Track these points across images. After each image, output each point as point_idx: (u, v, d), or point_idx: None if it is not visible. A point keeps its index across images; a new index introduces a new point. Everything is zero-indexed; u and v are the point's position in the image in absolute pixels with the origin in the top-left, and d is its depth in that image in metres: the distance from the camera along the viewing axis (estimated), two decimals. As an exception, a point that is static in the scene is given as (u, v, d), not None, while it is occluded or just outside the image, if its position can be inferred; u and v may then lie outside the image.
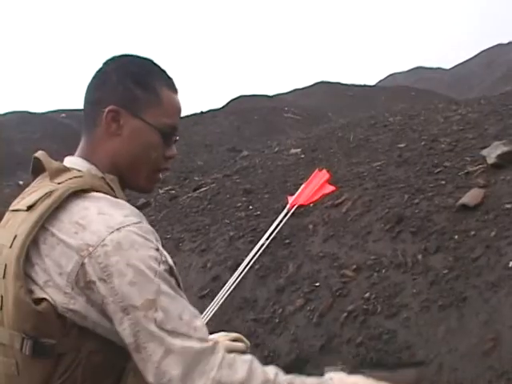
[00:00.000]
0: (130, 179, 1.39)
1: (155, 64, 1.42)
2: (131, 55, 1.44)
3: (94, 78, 1.41)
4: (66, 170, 1.31)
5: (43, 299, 1.16)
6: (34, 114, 19.47)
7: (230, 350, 1.75)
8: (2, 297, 1.18)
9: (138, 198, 5.03)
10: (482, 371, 1.51)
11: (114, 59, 1.42)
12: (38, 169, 1.35)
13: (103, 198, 1.25)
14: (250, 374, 1.21)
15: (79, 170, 1.31)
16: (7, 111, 19.47)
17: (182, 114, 1.58)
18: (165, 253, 1.22)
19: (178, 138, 1.44)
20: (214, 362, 1.17)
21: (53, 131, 17.52)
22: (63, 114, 20.52)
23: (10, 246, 1.18)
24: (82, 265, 1.12)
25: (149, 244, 1.18)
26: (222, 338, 1.88)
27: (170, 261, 1.23)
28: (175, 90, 1.43)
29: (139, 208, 1.31)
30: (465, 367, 1.56)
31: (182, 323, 1.12)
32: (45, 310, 1.14)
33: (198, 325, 1.13)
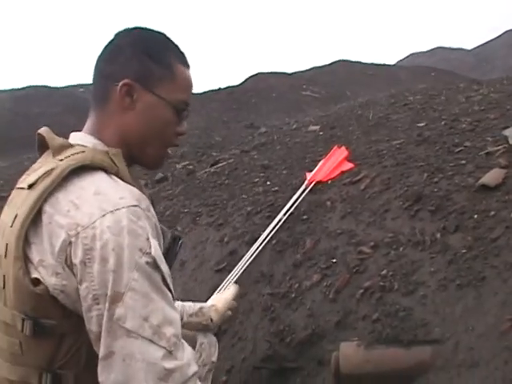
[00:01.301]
0: (139, 155, 1.38)
1: (168, 38, 1.41)
2: (145, 28, 1.43)
3: (105, 50, 1.39)
4: (69, 146, 1.31)
5: (40, 281, 1.16)
6: (53, 88, 19.51)
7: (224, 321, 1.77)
8: (4, 276, 1.19)
9: (155, 173, 5.04)
10: (498, 351, 1.51)
11: (126, 32, 1.41)
12: (43, 145, 1.35)
13: (102, 178, 1.24)
14: None
15: (84, 146, 1.30)
16: (26, 85, 19.53)
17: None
18: (153, 242, 1.19)
19: (188, 114, 1.43)
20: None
21: (71, 105, 17.59)
22: (81, 89, 20.57)
23: (11, 226, 1.18)
24: (70, 244, 1.12)
25: (138, 231, 1.17)
26: (221, 306, 1.94)
27: (158, 251, 1.20)
28: (187, 66, 1.43)
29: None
30: (481, 347, 1.55)
31: (146, 326, 1.11)
32: (43, 291, 1.15)
33: (166, 332, 1.13)
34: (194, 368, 1.16)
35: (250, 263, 2.61)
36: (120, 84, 1.31)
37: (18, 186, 1.32)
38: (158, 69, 1.35)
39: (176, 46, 1.42)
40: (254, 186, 3.71)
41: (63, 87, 20.49)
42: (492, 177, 2.20)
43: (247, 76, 18.75)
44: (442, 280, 1.84)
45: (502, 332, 1.54)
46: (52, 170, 1.20)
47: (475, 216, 2.03)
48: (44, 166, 1.25)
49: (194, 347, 1.49)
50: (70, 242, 1.12)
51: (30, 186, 1.21)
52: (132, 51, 1.35)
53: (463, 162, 2.52)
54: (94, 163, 1.23)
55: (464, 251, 1.90)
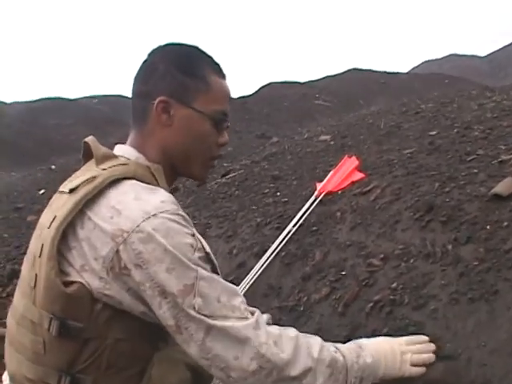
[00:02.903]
0: (183, 169, 1.41)
1: (201, 51, 1.42)
2: (176, 43, 1.44)
3: (140, 70, 1.42)
4: (113, 156, 1.33)
5: (76, 282, 1.17)
6: (67, 100, 19.74)
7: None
8: (36, 275, 1.20)
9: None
10: (511, 368, 1.45)
11: (158, 49, 1.43)
12: (88, 153, 1.37)
13: (141, 185, 1.26)
14: (296, 353, 1.23)
15: (127, 158, 1.33)
16: (40, 97, 19.78)
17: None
18: (201, 239, 1.23)
19: (229, 124, 1.43)
20: (259, 339, 1.19)
21: (85, 117, 17.79)
22: (95, 100, 20.76)
23: (49, 227, 1.19)
24: (117, 251, 1.14)
25: (185, 230, 1.19)
26: None
27: (207, 247, 1.24)
28: (223, 76, 1.43)
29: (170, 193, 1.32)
30: (494, 363, 1.50)
31: (221, 306, 1.16)
32: (75, 292, 1.16)
33: (236, 304, 1.22)
34: (261, 318, 1.27)
35: (258, 276, 2.57)
36: (156, 102, 1.35)
37: (59, 190, 1.35)
38: (192, 82, 1.37)
39: (209, 57, 1.44)
40: (264, 197, 3.68)
41: (77, 99, 20.71)
42: (505, 186, 2.14)
43: (260, 86, 18.82)
44: (453, 293, 1.79)
45: (516, 348, 1.48)
46: (94, 177, 1.25)
47: (487, 227, 1.98)
48: (86, 173, 1.28)
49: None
50: (118, 250, 1.15)
51: (72, 191, 1.24)
52: (165, 68, 1.38)
53: (475, 170, 2.46)
54: (136, 176, 1.26)
55: (476, 263, 1.84)
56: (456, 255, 1.94)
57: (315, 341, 1.35)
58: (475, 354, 1.57)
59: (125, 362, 1.24)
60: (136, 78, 1.42)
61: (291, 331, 1.33)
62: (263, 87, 18.48)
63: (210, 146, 1.41)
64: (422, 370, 1.50)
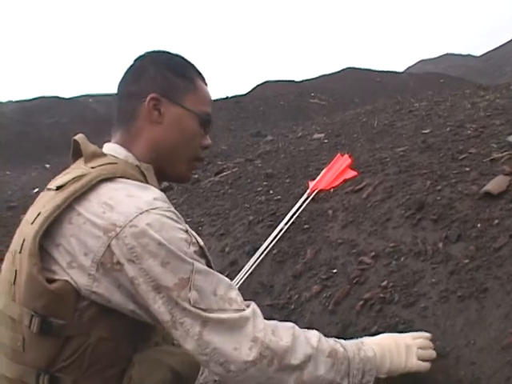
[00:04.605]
0: (169, 168, 1.42)
1: (185, 59, 1.49)
2: (163, 51, 1.50)
3: (127, 72, 1.45)
4: (102, 155, 1.34)
5: (60, 280, 1.16)
6: (63, 99, 19.68)
7: None
8: (16, 271, 1.18)
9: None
10: (500, 366, 1.44)
11: (146, 54, 1.48)
12: (77, 151, 1.37)
13: (133, 182, 1.26)
14: (294, 342, 1.27)
15: (116, 157, 1.32)
16: (36, 96, 19.71)
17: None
18: (195, 234, 1.23)
19: (212, 127, 1.47)
20: (257, 327, 1.21)
21: (81, 116, 17.75)
22: (91, 99, 20.69)
23: (32, 223, 1.18)
24: (109, 246, 1.13)
25: (178, 226, 1.20)
26: None
27: (201, 242, 1.25)
28: (206, 83, 1.49)
29: (162, 191, 1.33)
30: (483, 361, 1.49)
31: (217, 299, 1.20)
32: (58, 289, 1.14)
33: (233, 296, 1.24)
34: (257, 309, 1.29)
35: (250, 274, 2.57)
36: (147, 99, 1.38)
37: (47, 187, 1.34)
38: (182, 82, 1.41)
39: (193, 65, 1.49)
40: (257, 195, 3.68)
41: (73, 98, 20.63)
42: (496, 184, 2.14)
43: (255, 84, 18.81)
44: (443, 291, 1.79)
45: (505, 346, 1.48)
46: (82, 175, 1.23)
47: (478, 225, 1.97)
48: (75, 171, 1.28)
49: (198, 367, 1.49)
50: (110, 245, 1.13)
51: (59, 188, 1.23)
52: (155, 69, 1.41)
53: (467, 168, 2.46)
54: (125, 176, 1.26)
55: (466, 261, 1.84)
56: (446, 253, 1.94)
57: (313, 333, 1.38)
58: (464, 352, 1.57)
59: (106, 361, 1.22)
60: (124, 80, 1.45)
61: (288, 323, 1.36)
62: (258, 86, 18.48)
63: (195, 146, 1.45)
64: (428, 364, 1.48)
